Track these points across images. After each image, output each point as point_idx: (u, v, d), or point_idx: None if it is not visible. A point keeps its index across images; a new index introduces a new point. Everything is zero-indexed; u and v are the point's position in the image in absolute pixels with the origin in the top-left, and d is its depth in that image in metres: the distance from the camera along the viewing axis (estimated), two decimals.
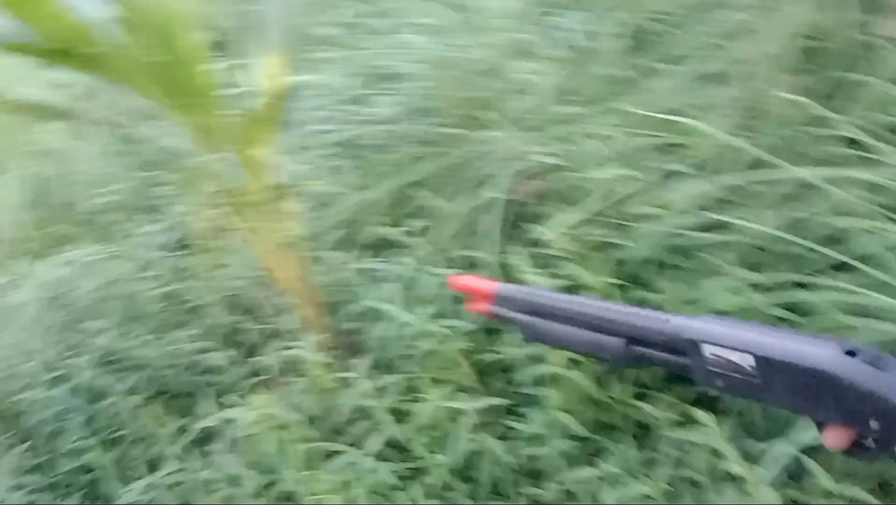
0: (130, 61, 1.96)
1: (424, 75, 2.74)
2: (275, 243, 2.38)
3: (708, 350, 0.65)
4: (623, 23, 2.53)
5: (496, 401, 1.99)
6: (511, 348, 2.06)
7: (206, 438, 2.38)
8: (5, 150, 4.79)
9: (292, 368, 2.46)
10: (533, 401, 1.95)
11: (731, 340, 0.64)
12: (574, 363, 1.88)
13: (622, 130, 2.09)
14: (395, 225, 2.55)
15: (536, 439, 1.90)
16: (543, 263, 1.98)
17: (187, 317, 2.89)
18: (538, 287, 0.96)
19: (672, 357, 0.70)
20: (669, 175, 1.97)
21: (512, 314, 0.87)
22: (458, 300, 2.24)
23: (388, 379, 2.15)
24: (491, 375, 2.12)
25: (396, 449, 2.06)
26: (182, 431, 2.41)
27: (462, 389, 2.06)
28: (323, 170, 2.85)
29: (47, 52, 1.98)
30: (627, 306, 0.76)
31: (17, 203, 4.39)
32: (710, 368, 0.66)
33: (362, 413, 2.14)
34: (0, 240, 4.35)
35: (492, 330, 2.21)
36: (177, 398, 2.64)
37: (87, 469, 2.51)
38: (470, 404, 1.96)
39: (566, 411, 1.86)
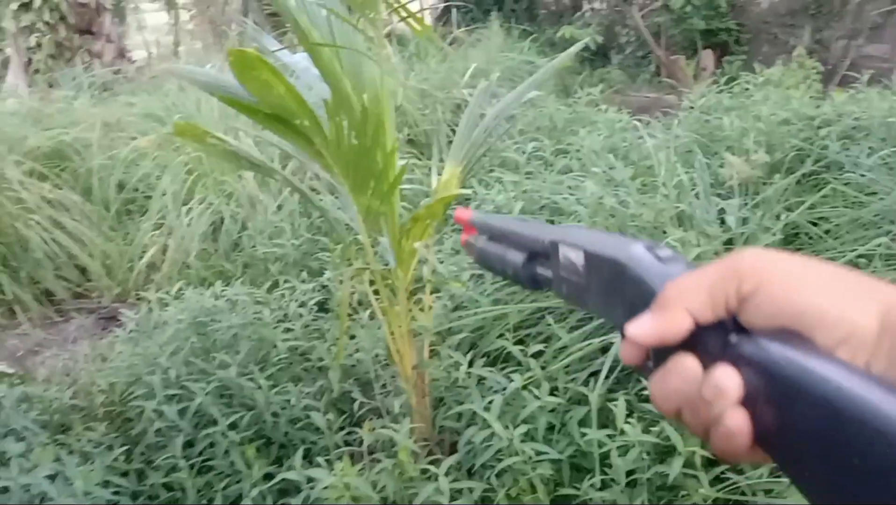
0: (326, 138, 2.13)
1: (583, 216, 2.85)
2: (404, 329, 2.49)
3: (562, 252, 0.65)
4: (780, 218, 2.59)
5: None
6: (593, 491, 2.08)
7: (285, 490, 2.42)
8: (197, 183, 5.17)
9: (384, 447, 2.53)
10: None
11: (573, 238, 0.64)
12: None
13: None
14: (516, 342, 2.63)
15: None
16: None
17: (305, 374, 3.01)
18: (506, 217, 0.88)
19: (546, 271, 0.69)
20: None
21: (473, 242, 0.86)
22: (552, 428, 2.29)
23: (468, 483, 2.18)
24: None
25: None
26: (266, 477, 2.45)
27: None
28: (466, 276, 2.99)
29: (261, 114, 2.14)
30: (558, 226, 0.73)
31: (194, 232, 4.74)
32: (561, 272, 0.66)
33: None
34: (170, 261, 4.69)
35: (580, 468, 2.24)
36: (271, 445, 2.71)
37: (171, 487, 2.57)
38: None
39: None
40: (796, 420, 0.43)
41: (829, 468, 0.41)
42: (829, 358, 0.43)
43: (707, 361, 0.48)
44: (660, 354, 0.52)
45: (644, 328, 0.51)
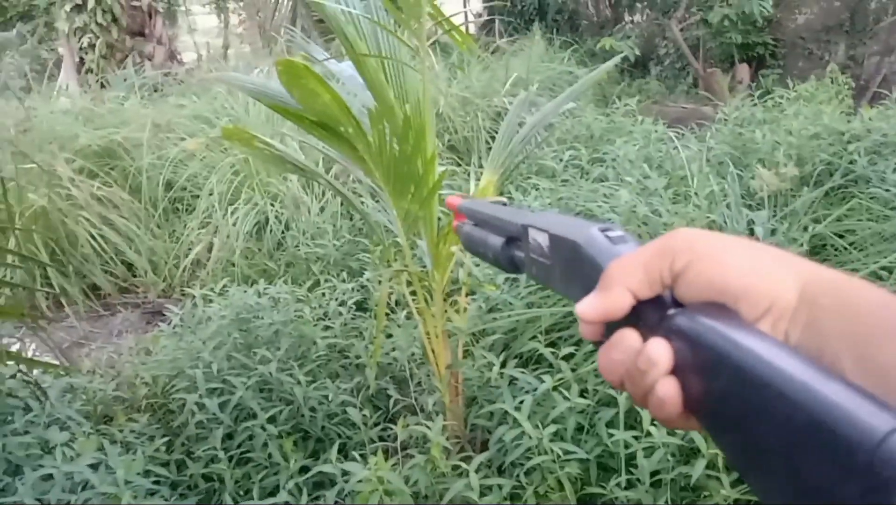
0: (369, 145, 2.20)
1: (616, 223, 2.89)
2: (439, 330, 2.55)
3: (531, 236, 0.68)
4: (808, 230, 2.61)
5: None
6: (619, 490, 2.14)
7: (320, 483, 2.49)
8: (243, 184, 5.27)
9: (417, 443, 2.60)
10: None
11: (540, 222, 0.67)
12: None
13: None
14: (548, 344, 2.69)
15: None
16: None
17: (342, 371, 3.08)
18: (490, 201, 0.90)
19: (521, 254, 0.72)
20: None
21: (461, 227, 0.90)
22: (580, 429, 2.35)
23: (497, 480, 2.23)
24: None
25: None
26: (303, 470, 2.51)
27: None
28: (500, 279, 3.04)
29: (307, 120, 2.21)
30: (531, 211, 0.76)
31: (239, 231, 4.83)
32: (532, 254, 0.69)
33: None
34: (215, 258, 4.79)
35: (607, 467, 2.29)
36: (308, 439, 2.78)
37: (210, 478, 2.63)
38: None
39: None
40: (717, 387, 0.45)
41: (746, 431, 0.43)
42: (749, 329, 0.46)
43: (646, 334, 0.52)
44: (609, 329, 0.55)
45: (589, 307, 0.55)
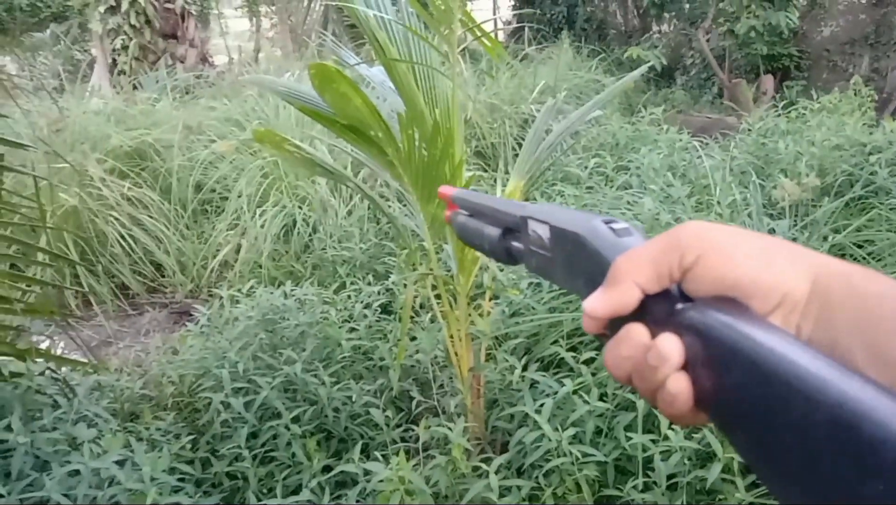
0: (398, 149, 2.23)
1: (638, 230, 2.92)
2: (463, 333, 2.58)
3: (531, 227, 0.67)
4: (830, 241, 2.62)
5: None
6: (635, 492, 2.16)
7: (343, 482, 2.52)
8: (272, 186, 5.32)
9: (438, 444, 2.63)
10: None
11: (541, 214, 0.66)
12: None
13: None
14: (569, 349, 2.72)
15: None
16: None
17: (367, 372, 3.12)
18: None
19: (519, 245, 0.71)
20: None
21: (455, 217, 0.88)
22: (599, 432, 2.37)
23: (516, 482, 2.26)
24: None
25: None
26: (325, 469, 2.54)
27: None
28: (524, 284, 3.08)
29: (337, 124, 2.24)
30: (523, 202, 0.74)
31: (267, 233, 4.88)
32: (531, 246, 0.67)
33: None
34: (243, 260, 4.83)
35: (624, 470, 2.31)
36: (331, 439, 2.81)
37: (234, 476, 2.66)
38: None
39: None
40: (730, 382, 0.44)
41: (761, 428, 0.42)
42: (762, 323, 0.46)
43: (655, 329, 0.51)
44: (615, 324, 0.54)
45: (598, 303, 0.53)
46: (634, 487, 2.19)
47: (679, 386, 0.48)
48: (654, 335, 0.51)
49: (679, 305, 0.50)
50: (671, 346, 0.48)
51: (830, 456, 0.38)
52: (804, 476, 0.39)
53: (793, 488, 0.40)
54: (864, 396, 0.38)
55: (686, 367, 0.48)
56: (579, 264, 0.59)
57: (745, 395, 0.43)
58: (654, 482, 2.17)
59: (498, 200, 0.78)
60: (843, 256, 3.08)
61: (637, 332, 0.52)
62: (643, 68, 3.11)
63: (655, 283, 0.51)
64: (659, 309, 0.51)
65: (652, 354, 0.49)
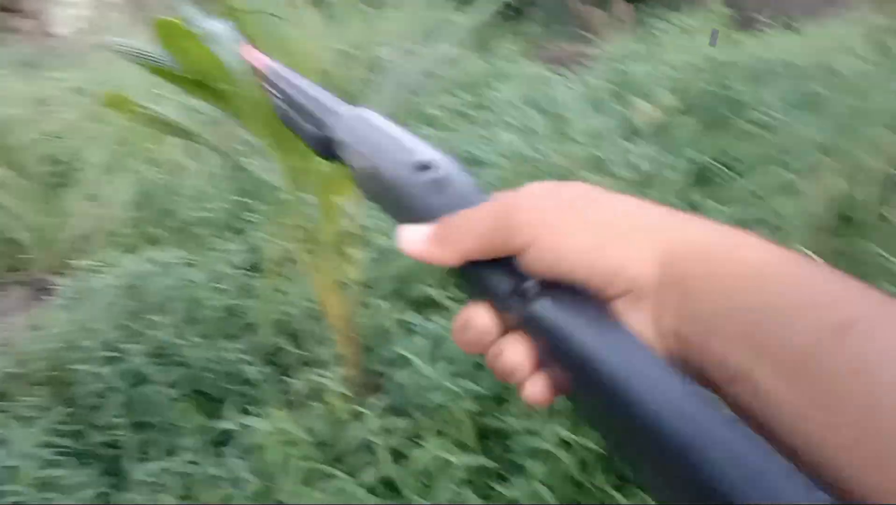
0: (248, 101, 2.17)
1: (502, 166, 2.95)
2: (332, 282, 2.56)
3: (346, 150, 0.62)
4: (692, 160, 2.72)
5: (487, 462, 2.11)
6: (513, 419, 2.20)
7: (223, 440, 2.50)
8: (125, 153, 5.16)
9: (316, 394, 2.62)
10: (520, 470, 2.06)
11: (354, 143, 0.61)
12: (566, 444, 2.03)
13: None
14: (441, 287, 2.74)
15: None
16: None
17: (238, 330, 3.05)
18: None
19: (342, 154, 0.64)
20: None
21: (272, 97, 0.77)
22: (479, 365, 2.41)
23: (397, 422, 2.28)
24: (489, 438, 2.24)
25: (388, 486, 2.16)
26: (204, 429, 2.52)
27: (460, 445, 2.17)
28: (391, 226, 3.06)
29: (185, 80, 2.20)
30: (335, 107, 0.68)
31: (123, 200, 4.73)
32: (350, 163, 0.61)
33: (366, 447, 2.26)
34: (100, 230, 4.68)
35: (502, 399, 2.36)
36: (208, 400, 2.75)
37: (113, 445, 2.60)
38: (462, 460, 2.08)
39: (547, 486, 1.98)
40: (574, 382, 0.42)
41: (610, 442, 0.41)
42: (597, 322, 0.43)
43: (498, 311, 0.47)
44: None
45: (414, 248, 0.49)
46: (513, 414, 2.21)
47: (534, 392, 0.46)
48: (499, 318, 0.47)
49: (525, 285, 0.46)
50: (518, 357, 0.46)
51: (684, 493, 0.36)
52: (663, 489, 0.38)
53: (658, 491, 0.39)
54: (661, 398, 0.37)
55: (540, 365, 0.46)
56: (394, 206, 0.54)
57: (585, 395, 0.42)
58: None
59: (311, 96, 0.69)
60: (710, 177, 3.17)
61: (480, 319, 0.47)
62: (494, 2, 3.11)
63: (482, 256, 0.47)
64: (501, 286, 0.47)
65: (501, 362, 0.46)
